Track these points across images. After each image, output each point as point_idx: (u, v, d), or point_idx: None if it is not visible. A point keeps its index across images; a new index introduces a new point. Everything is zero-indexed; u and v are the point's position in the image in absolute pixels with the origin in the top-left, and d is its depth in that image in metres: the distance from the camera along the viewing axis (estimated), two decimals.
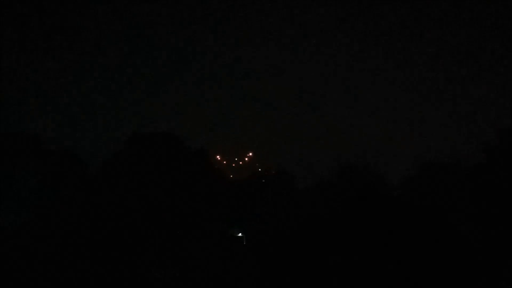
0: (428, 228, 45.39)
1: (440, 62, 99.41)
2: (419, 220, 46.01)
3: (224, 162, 70.98)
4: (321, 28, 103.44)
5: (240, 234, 56.24)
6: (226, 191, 57.29)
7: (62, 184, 52.64)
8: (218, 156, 72.72)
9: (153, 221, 51.33)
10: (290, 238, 48.14)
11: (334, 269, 44.83)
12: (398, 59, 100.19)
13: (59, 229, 49.42)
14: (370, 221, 45.61)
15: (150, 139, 55.50)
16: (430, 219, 46.39)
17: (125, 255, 49.09)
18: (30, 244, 48.34)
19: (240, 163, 71.09)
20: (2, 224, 50.26)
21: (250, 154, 78.94)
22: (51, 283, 45.97)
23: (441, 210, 49.51)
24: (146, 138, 55.47)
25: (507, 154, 53.38)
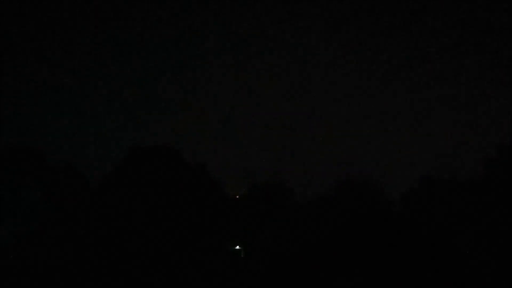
0: (426, 245, 45.47)
1: (441, 75, 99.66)
2: (418, 237, 46.09)
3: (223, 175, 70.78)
4: (320, 36, 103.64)
5: (237, 247, 56.17)
6: (225, 205, 57.29)
7: (63, 198, 52.75)
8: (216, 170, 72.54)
9: (152, 234, 51.36)
10: (290, 254, 48.18)
11: (332, 283, 44.91)
12: (399, 74, 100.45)
13: (60, 242, 49.51)
14: (370, 238, 45.68)
15: (150, 152, 55.58)
16: (429, 237, 46.48)
17: (124, 268, 49.12)
18: (32, 256, 48.48)
19: (239, 176, 70.92)
20: (4, 237, 50.40)
21: (249, 166, 78.76)
22: None
23: (440, 227, 49.59)
24: (145, 152, 55.55)
25: (506, 169, 53.54)
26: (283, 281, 46.62)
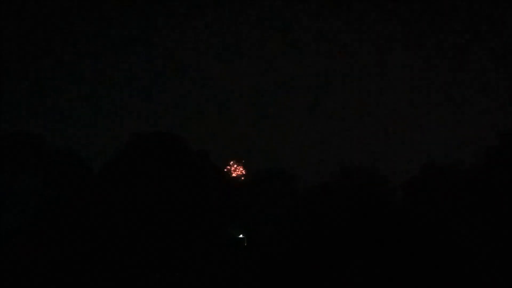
0: (427, 235, 45.56)
1: (441, 64, 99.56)
2: (418, 226, 46.17)
3: (231, 165, 70.66)
4: (321, 27, 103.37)
5: (241, 236, 56.25)
6: (227, 192, 57.28)
7: (64, 184, 52.68)
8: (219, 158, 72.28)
9: (154, 221, 51.33)
10: (291, 242, 48.26)
11: (333, 272, 45.01)
12: (400, 61, 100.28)
13: (61, 229, 49.45)
14: (370, 227, 45.76)
15: (151, 139, 55.49)
16: (429, 226, 46.56)
17: (126, 255, 49.12)
18: (32, 243, 48.42)
19: (241, 164, 70.91)
20: (5, 223, 50.34)
21: (249, 154, 78.58)
22: (54, 282, 46.05)
23: (440, 216, 49.63)
24: (147, 138, 55.46)
25: (507, 157, 53.57)
26: (286, 269, 46.74)
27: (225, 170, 67.10)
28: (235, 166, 68.25)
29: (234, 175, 67.55)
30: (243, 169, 68.19)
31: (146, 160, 53.56)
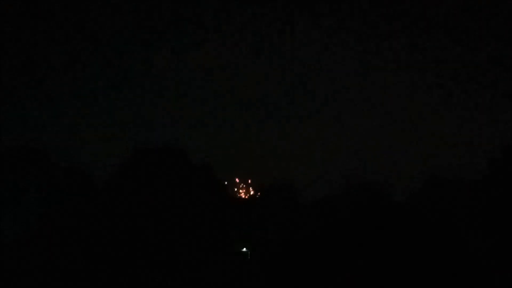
0: (431, 243, 45.58)
1: (446, 76, 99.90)
2: (423, 236, 46.21)
3: (236, 181, 70.47)
4: (323, 35, 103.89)
5: (244, 249, 56.16)
6: (230, 206, 57.31)
7: (68, 196, 52.86)
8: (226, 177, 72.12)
9: (156, 234, 51.42)
10: (295, 254, 48.26)
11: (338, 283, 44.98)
12: (404, 72, 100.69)
13: (64, 240, 49.60)
14: (374, 237, 45.80)
15: (155, 153, 55.69)
16: (434, 235, 46.58)
17: (128, 266, 49.18)
18: (36, 253, 48.60)
19: (244, 183, 70.86)
20: (9, 234, 50.54)
21: (254, 168, 78.66)
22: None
23: (445, 225, 49.65)
24: (150, 152, 55.65)
25: (510, 170, 53.67)
26: (288, 281, 46.73)
27: (233, 187, 67.14)
28: (242, 185, 68.24)
29: (241, 194, 67.51)
30: (251, 189, 68.17)
31: (149, 174, 53.73)
